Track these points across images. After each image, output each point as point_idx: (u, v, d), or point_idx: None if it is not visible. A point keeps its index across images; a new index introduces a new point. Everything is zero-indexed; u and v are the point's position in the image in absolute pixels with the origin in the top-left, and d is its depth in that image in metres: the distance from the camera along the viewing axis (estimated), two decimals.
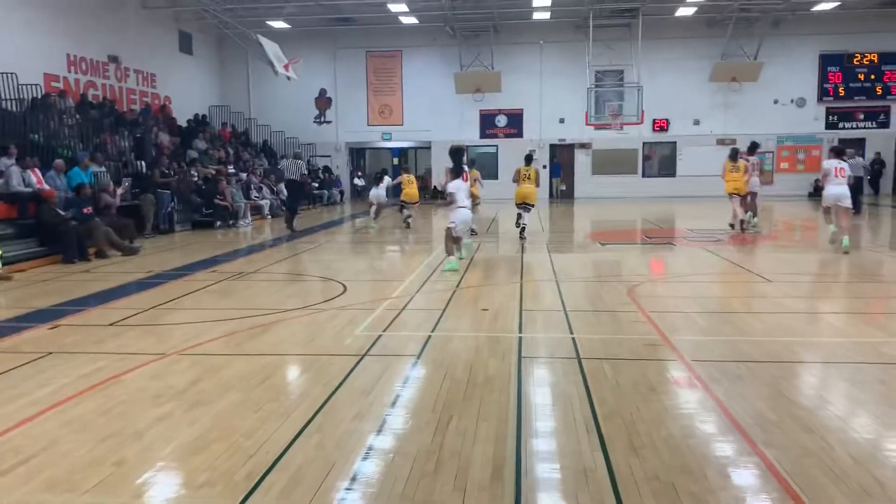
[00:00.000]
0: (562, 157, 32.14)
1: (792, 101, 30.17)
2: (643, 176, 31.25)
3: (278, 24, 29.23)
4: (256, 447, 4.36)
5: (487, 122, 31.74)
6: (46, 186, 14.69)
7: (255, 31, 26.75)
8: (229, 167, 24.17)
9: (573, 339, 6.65)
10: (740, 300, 8.93)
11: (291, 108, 32.07)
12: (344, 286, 9.80)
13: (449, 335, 6.96)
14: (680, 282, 10.15)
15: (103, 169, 17.75)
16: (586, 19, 27.95)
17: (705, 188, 28.41)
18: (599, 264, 11.94)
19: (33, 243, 13.86)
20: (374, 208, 18.71)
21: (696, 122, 30.48)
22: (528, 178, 15.39)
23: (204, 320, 7.88)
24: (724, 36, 29.09)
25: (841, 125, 30.42)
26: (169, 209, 19.28)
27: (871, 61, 30.17)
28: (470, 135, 31.47)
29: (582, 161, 31.70)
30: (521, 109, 31.27)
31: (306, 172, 21.90)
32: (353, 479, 3.97)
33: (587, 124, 30.09)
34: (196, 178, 21.46)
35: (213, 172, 22.22)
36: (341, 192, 32.09)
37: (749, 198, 16.57)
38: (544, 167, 31.02)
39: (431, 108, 31.61)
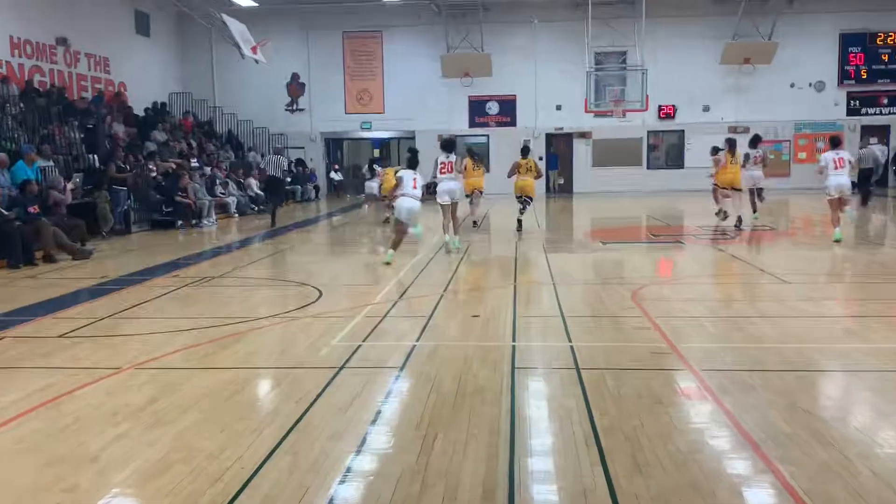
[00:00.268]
0: (559, 148, 31.67)
1: (810, 84, 30.13)
2: (648, 167, 30.99)
3: (245, 2, 28.76)
4: (222, 470, 4.28)
5: (477, 110, 31.46)
6: None
7: (219, 10, 26.26)
8: (192, 161, 23.88)
9: (572, 347, 6.58)
10: (753, 303, 8.85)
11: (260, 95, 31.64)
12: (320, 291, 9.67)
13: (435, 345, 6.88)
14: (688, 284, 10.09)
15: (51, 163, 17.45)
16: None
17: None
18: (600, 265, 11.83)
19: None
20: (367, 205, 18.80)
21: (706, 109, 30.34)
22: (529, 170, 16.16)
23: (164, 331, 7.72)
24: (735, 14, 28.84)
25: (863, 111, 30.49)
26: (125, 208, 18.93)
27: None
28: (458, 123, 31.03)
29: (581, 152, 31.34)
30: (514, 96, 30.93)
31: (287, 168, 21.67)
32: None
33: (586, 111, 29.76)
34: (155, 174, 21.06)
35: (174, 167, 21.92)
36: (316, 188, 31.41)
37: (756, 193, 17.06)
38: (540, 159, 30.15)
39: (415, 95, 31.09)
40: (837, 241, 13.44)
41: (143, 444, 4.77)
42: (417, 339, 7.09)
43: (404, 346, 6.89)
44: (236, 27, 25.49)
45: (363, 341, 7.06)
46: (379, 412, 5.19)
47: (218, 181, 23.87)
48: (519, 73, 30.85)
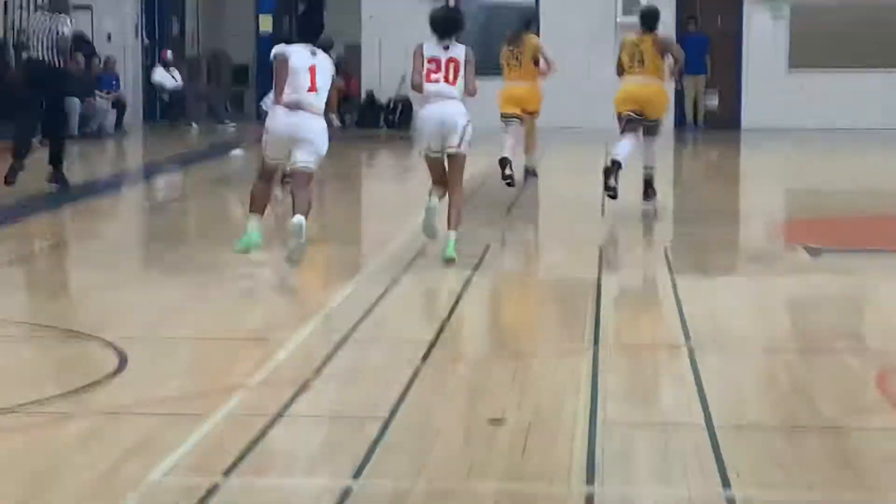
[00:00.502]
0: (709, 21, 20.21)
1: None
2: None
3: None
4: None
5: None
6: None
7: None
8: None
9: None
10: None
11: None
12: (121, 354, 5.74)
13: (404, 489, 3.69)
14: None
15: None
16: None
17: None
18: (803, 305, 7.39)
19: None
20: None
21: None
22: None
23: None
24: None
25: None
26: None
27: None
28: None
29: (762, 33, 20.05)
30: None
31: (70, 42, 12.55)
32: None
33: None
34: None
35: None
36: (119, 106, 18.63)
37: None
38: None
39: None
40: None
41: None
42: (356, 475, 3.80)
43: (329, 491, 3.73)
44: None
45: (224, 475, 3.80)
46: None
47: None
48: None
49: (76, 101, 15.44)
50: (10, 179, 11.05)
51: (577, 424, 4.37)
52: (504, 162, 11.33)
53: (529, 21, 12.25)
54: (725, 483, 3.67)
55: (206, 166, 15.39)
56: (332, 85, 7.76)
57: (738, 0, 19.93)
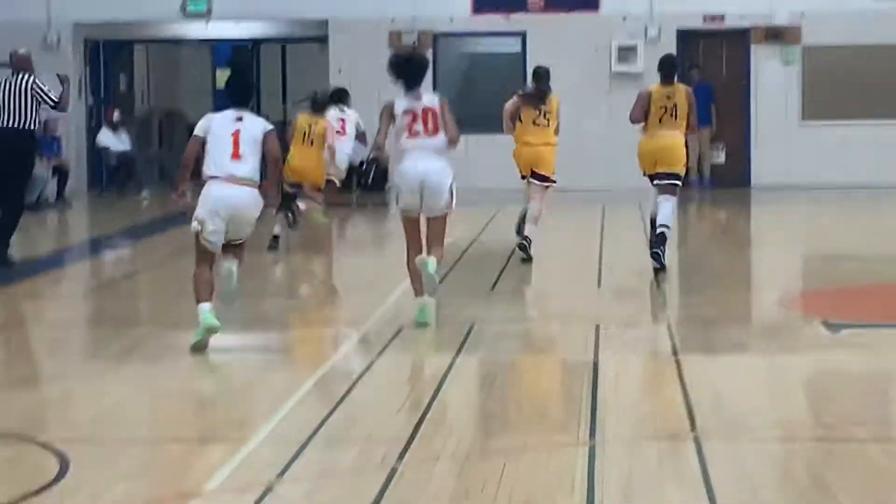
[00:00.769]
0: (713, 69, 20.50)
1: None
2: None
3: None
4: None
5: None
6: None
7: None
8: None
9: None
10: None
11: None
12: (62, 458, 5.27)
13: None
14: None
15: None
16: None
17: None
18: (818, 387, 7.31)
19: None
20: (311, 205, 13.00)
21: None
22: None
23: None
24: None
25: None
26: None
27: None
28: (442, 6, 20.26)
29: (773, 82, 20.19)
30: None
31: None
32: None
33: None
34: None
35: None
36: (60, 173, 18.46)
37: None
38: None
39: None
40: None
41: None
42: None
43: None
44: None
45: None
46: None
47: None
48: None
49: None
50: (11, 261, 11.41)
51: None
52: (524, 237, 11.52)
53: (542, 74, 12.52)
54: None
55: (158, 238, 14.99)
56: (268, 152, 7.60)
57: (745, 46, 19.70)
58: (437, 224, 8.31)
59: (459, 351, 7.71)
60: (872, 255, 13.58)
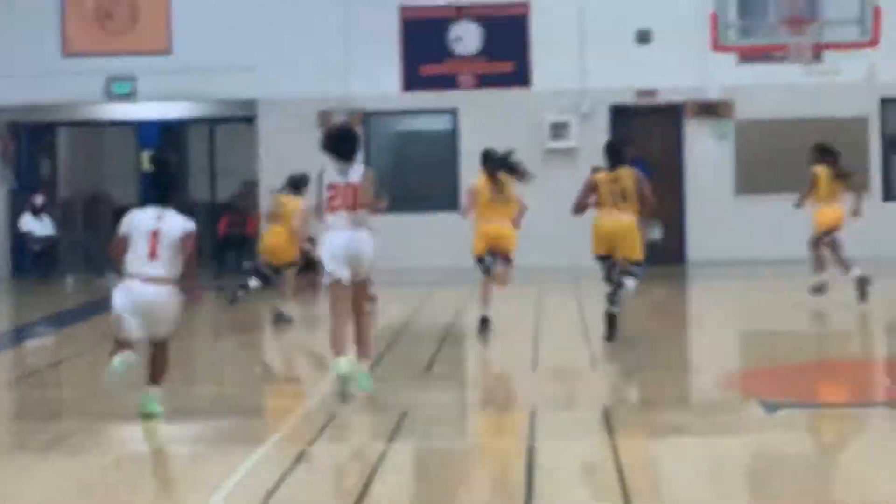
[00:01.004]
0: (648, 143, 19.34)
1: None
2: (887, 199, 19.98)
3: None
4: None
5: (424, 48, 19.80)
6: None
7: None
8: None
9: None
10: None
11: None
12: None
13: None
14: None
15: None
16: None
17: None
18: (757, 469, 7.17)
19: None
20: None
21: None
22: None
23: None
24: None
25: None
26: None
27: None
28: (372, 83, 19.76)
29: (707, 156, 20.15)
30: (526, 5, 19.80)
31: None
32: None
33: (716, 49, 18.26)
34: None
35: None
36: None
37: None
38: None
39: (262, 9, 19.57)
40: None
41: None
42: None
43: None
44: None
45: None
46: None
47: None
48: None
49: None
50: None
51: None
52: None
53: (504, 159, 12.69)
54: None
55: (83, 325, 14.84)
56: (184, 252, 7.75)
57: (678, 120, 19.97)
58: (363, 288, 8.72)
59: (392, 439, 7.62)
60: (808, 332, 13.88)
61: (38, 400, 10.52)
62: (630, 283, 11.17)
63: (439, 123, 20.87)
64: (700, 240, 19.71)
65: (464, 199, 12.09)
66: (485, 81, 19.98)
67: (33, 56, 19.67)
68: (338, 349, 8.25)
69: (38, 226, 19.48)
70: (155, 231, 7.60)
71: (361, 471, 7.20)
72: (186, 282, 7.86)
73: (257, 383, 10.85)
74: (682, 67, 19.56)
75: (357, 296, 8.68)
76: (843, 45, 18.49)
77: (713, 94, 19.86)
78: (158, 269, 7.68)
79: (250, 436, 8.31)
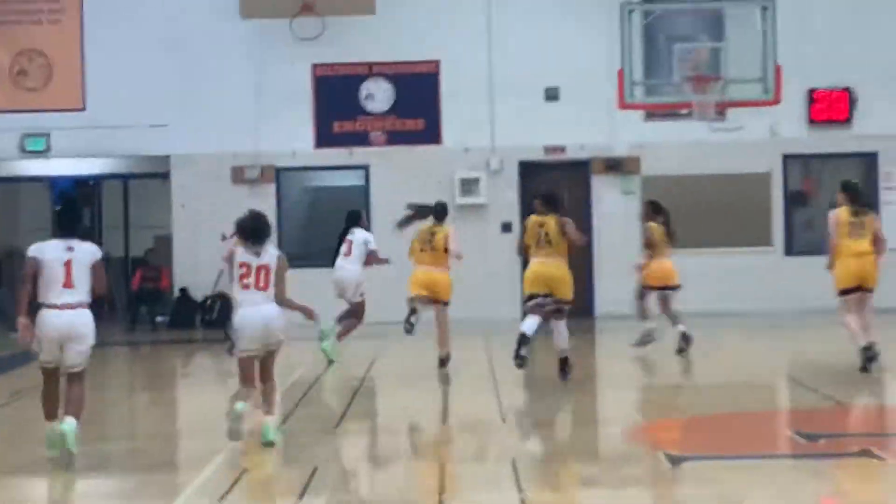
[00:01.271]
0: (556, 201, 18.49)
1: None
2: (790, 251, 20.24)
3: None
4: None
5: (337, 105, 19.94)
6: None
7: None
8: None
9: None
10: None
11: None
12: None
13: None
14: None
15: None
16: None
17: None
18: None
19: None
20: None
21: None
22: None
23: None
24: None
25: None
26: None
27: None
28: (285, 141, 19.83)
29: (613, 211, 20.44)
30: (436, 63, 19.97)
31: None
32: None
33: (623, 107, 18.51)
34: None
35: None
36: None
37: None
38: (506, 230, 19.40)
39: (170, 65, 19.44)
40: None
41: None
42: None
43: None
44: None
45: None
46: None
47: None
48: (448, 9, 19.71)
49: None
50: None
51: None
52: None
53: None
54: None
55: None
56: (94, 278, 8.04)
57: (586, 176, 20.22)
58: (271, 358, 8.96)
59: (302, 495, 7.53)
60: (714, 383, 13.93)
61: None
62: (561, 328, 11.89)
63: (351, 179, 20.92)
64: (608, 294, 19.61)
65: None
66: (396, 138, 20.08)
67: None
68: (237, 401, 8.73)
69: None
70: (68, 261, 7.81)
71: None
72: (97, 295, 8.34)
73: (168, 439, 10.70)
74: (590, 124, 19.85)
75: (268, 362, 8.98)
76: (746, 103, 18.76)
77: (620, 151, 20.20)
78: (74, 295, 7.89)
79: (161, 492, 8.17)
